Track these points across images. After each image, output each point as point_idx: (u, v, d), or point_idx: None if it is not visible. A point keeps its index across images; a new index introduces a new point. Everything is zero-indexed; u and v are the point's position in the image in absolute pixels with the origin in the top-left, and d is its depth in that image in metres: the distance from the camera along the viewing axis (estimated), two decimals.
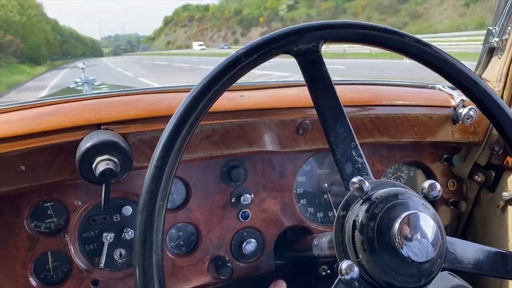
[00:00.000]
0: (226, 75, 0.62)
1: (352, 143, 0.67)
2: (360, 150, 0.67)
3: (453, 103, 1.08)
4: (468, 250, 0.68)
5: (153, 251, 0.56)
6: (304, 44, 0.66)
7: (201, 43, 58.44)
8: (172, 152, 0.59)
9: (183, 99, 0.61)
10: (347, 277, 0.57)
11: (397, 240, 0.56)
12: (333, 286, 0.61)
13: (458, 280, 0.96)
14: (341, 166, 0.66)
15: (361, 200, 0.62)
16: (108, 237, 0.94)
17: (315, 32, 0.66)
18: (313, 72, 0.67)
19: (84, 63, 2.48)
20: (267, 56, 0.64)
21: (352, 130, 0.67)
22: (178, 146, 0.59)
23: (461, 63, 0.71)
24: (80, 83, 2.17)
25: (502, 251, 0.69)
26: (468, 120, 1.05)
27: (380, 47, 0.69)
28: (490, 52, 1.17)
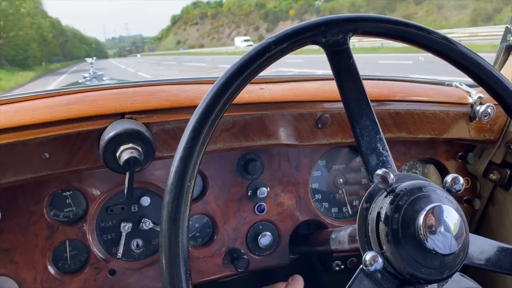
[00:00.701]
0: (255, 62, 0.62)
1: (378, 136, 0.68)
2: (385, 143, 0.68)
3: (471, 100, 1.08)
4: (488, 248, 0.69)
5: (181, 232, 0.56)
6: (333, 36, 0.66)
7: (247, 38, 51.23)
8: (202, 133, 0.60)
9: (206, 90, 0.62)
10: (371, 268, 0.58)
11: (421, 232, 0.57)
12: (354, 275, 0.61)
13: (470, 282, 0.96)
14: (366, 158, 0.67)
15: (385, 192, 0.62)
16: (126, 227, 0.95)
17: (344, 24, 0.66)
18: (340, 64, 0.68)
19: (93, 58, 2.48)
20: (296, 45, 0.64)
21: (378, 123, 0.68)
22: (207, 129, 0.60)
23: (485, 61, 0.71)
24: (88, 78, 2.19)
25: None
26: (486, 118, 1.05)
27: (408, 43, 0.70)
28: (508, 50, 1.17)
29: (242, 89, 0.63)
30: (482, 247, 0.68)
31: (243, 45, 42.13)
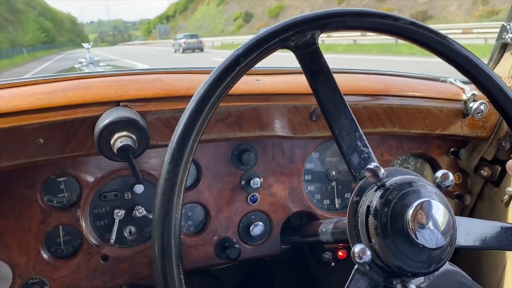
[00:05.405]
0: (227, 77, 0.62)
1: (357, 134, 0.67)
2: (365, 139, 0.67)
3: (464, 97, 1.08)
4: (476, 228, 0.70)
5: (173, 215, 0.58)
6: (301, 38, 0.65)
7: None
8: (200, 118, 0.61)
9: (203, 80, 0.62)
10: (360, 260, 0.59)
11: (410, 226, 0.58)
12: (350, 277, 0.62)
13: (456, 269, 0.98)
14: (348, 158, 0.67)
15: (375, 187, 0.63)
16: (119, 214, 0.96)
17: (310, 23, 0.65)
18: (312, 66, 0.67)
19: (90, 44, 2.48)
20: (265, 53, 0.64)
21: (355, 121, 0.67)
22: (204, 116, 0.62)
23: (454, 42, 0.70)
24: (85, 64, 2.18)
25: (507, 224, 0.71)
26: (478, 115, 1.06)
27: (376, 32, 0.69)
28: (503, 47, 1.18)
29: (220, 101, 0.63)
30: (469, 228, 0.69)
31: None
